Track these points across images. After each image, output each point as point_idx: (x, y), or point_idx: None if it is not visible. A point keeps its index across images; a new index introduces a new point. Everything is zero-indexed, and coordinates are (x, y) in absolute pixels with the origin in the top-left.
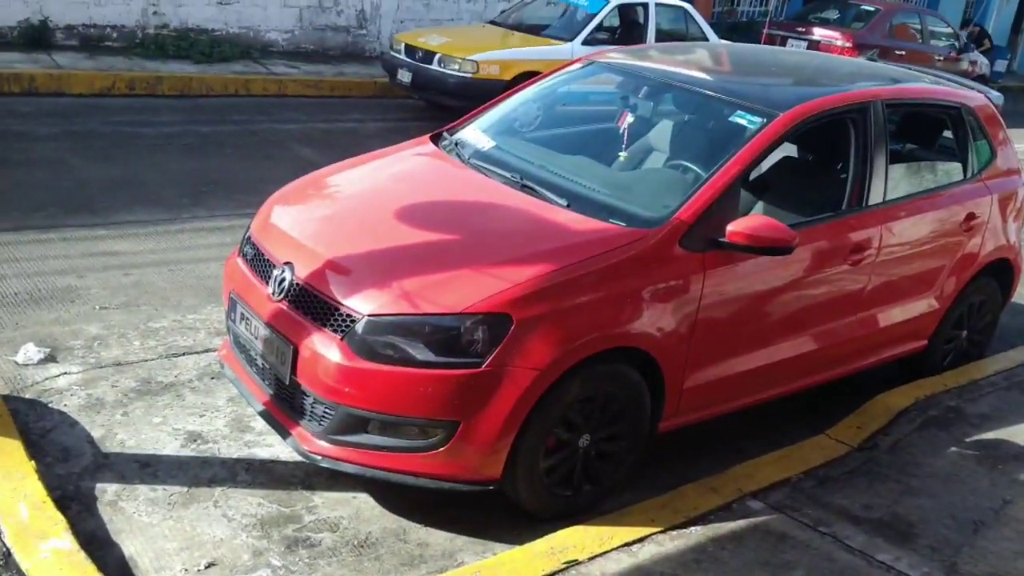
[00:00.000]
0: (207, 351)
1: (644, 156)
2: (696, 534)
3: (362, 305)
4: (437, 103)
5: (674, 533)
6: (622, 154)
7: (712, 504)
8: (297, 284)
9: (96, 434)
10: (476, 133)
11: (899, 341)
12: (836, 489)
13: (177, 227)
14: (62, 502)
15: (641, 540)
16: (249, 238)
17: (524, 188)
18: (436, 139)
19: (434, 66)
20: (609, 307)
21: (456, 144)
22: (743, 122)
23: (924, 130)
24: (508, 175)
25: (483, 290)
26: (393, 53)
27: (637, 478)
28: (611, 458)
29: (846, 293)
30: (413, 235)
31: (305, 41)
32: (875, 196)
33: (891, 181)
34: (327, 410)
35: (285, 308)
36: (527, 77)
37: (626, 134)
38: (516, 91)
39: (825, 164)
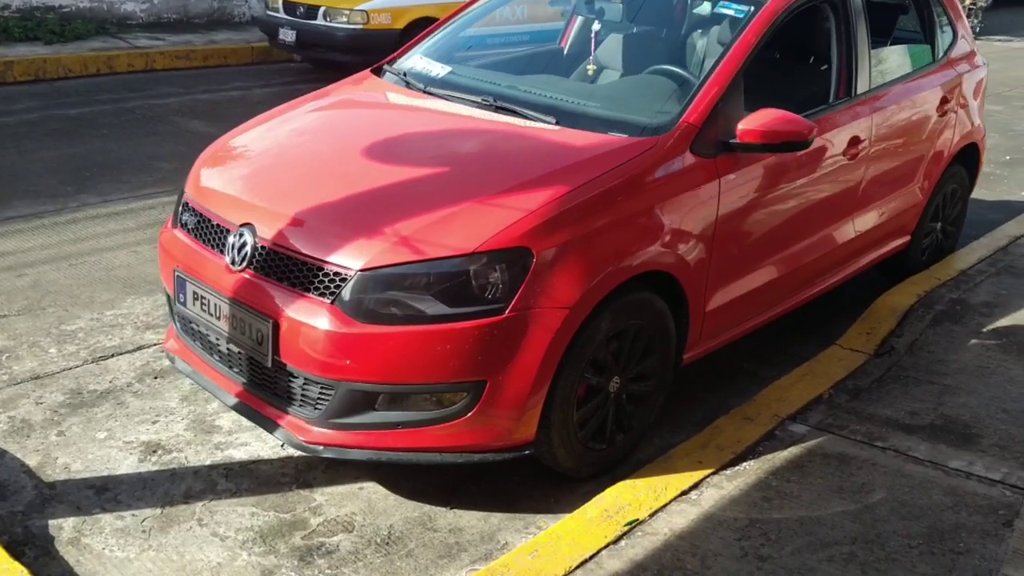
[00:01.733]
0: (140, 348)
1: (621, 64)
2: (752, 469)
3: (351, 260)
4: (326, 61)
5: (729, 472)
6: (590, 67)
7: (754, 435)
8: (263, 247)
9: (32, 462)
10: (424, 61)
11: (888, 238)
12: (873, 400)
13: (66, 217)
14: (13, 548)
15: (697, 486)
16: (187, 204)
17: (499, 110)
18: (378, 73)
19: (319, 21)
20: (632, 228)
21: (405, 74)
22: (730, 12)
23: (892, 13)
24: (478, 99)
25: (494, 224)
26: (271, 13)
27: (662, 419)
28: (642, 400)
29: (846, 190)
30: (392, 173)
31: (166, 10)
32: (862, 84)
33: (874, 68)
34: (323, 390)
35: (251, 278)
36: (422, 24)
37: (593, 43)
38: (458, 12)
39: (806, 55)
